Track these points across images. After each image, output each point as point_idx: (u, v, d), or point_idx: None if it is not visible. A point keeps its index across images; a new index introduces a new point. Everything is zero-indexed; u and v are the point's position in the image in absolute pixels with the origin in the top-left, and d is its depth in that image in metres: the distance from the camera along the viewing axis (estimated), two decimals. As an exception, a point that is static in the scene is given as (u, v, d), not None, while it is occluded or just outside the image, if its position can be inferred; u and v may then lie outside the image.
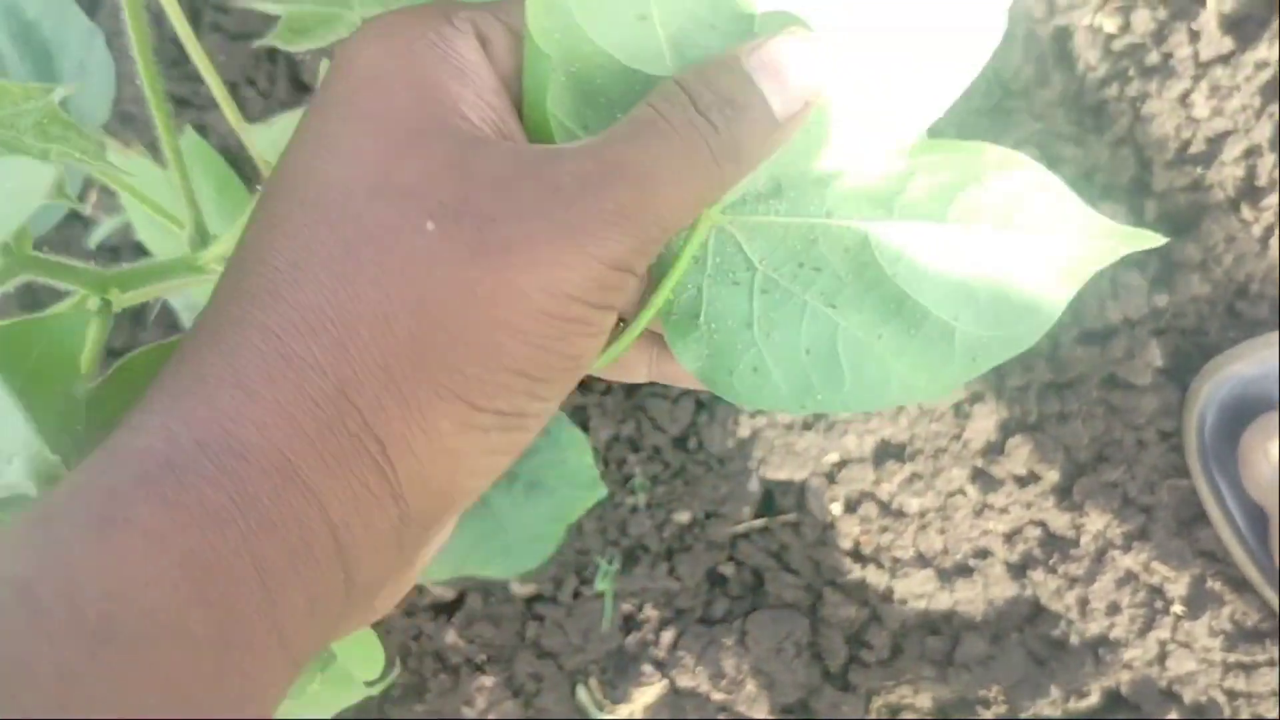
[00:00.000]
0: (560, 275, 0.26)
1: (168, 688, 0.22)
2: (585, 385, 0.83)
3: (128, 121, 0.82)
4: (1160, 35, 0.77)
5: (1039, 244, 0.32)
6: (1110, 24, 0.79)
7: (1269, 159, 0.75)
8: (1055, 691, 0.79)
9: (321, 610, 0.25)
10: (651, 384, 0.49)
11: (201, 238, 0.43)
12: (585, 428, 0.82)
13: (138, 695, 0.22)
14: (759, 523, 0.82)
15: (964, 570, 0.81)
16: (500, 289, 0.25)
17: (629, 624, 0.82)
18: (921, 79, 0.31)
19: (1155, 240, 0.32)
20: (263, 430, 0.24)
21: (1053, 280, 0.32)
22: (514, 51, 0.29)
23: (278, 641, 0.24)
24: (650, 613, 0.82)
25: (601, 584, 0.81)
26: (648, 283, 0.33)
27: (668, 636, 0.81)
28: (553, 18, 0.28)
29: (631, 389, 0.82)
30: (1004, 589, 0.80)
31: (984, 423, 0.80)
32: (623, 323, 0.33)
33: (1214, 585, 0.79)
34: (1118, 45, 0.78)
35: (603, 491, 0.63)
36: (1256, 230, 0.75)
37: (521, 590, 0.82)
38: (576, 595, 0.82)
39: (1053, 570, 0.80)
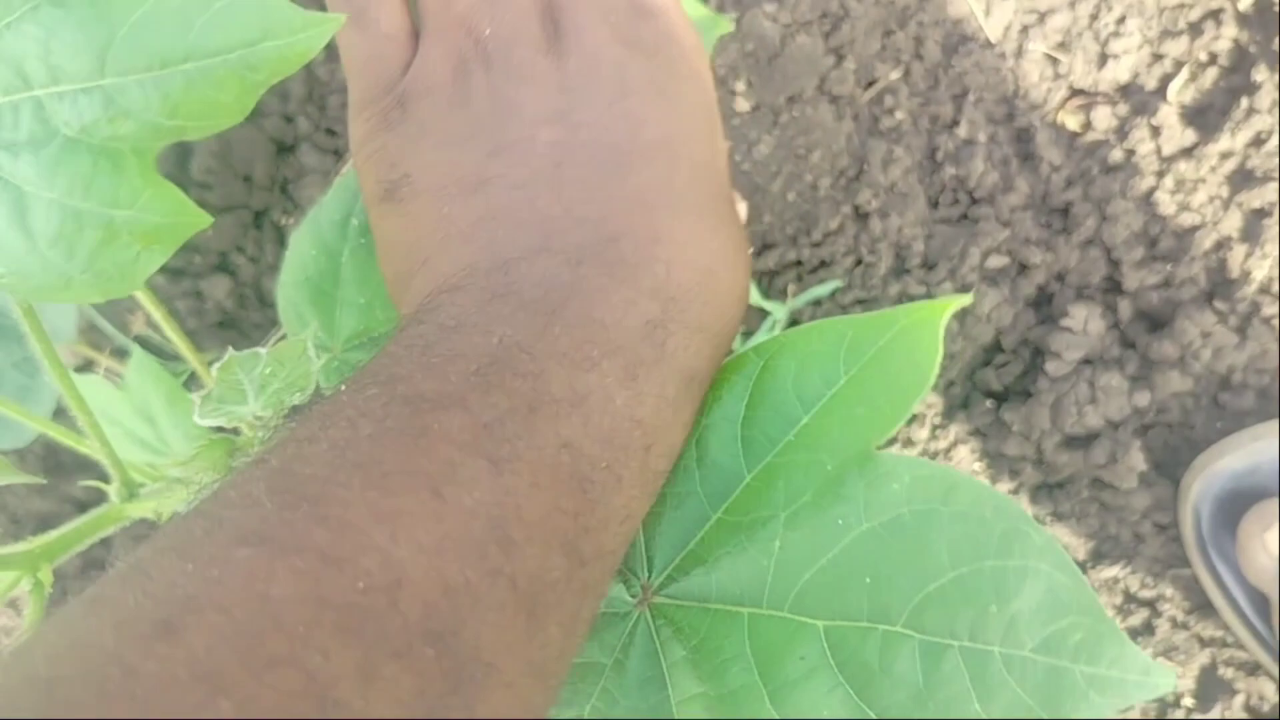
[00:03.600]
0: None
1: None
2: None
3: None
4: (1122, 132, 0.77)
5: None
6: (1072, 122, 0.79)
7: (1239, 250, 0.74)
8: (1073, 790, 0.79)
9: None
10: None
11: (129, 490, 0.45)
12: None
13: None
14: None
15: (972, 672, 0.81)
16: None
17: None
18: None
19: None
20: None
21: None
22: None
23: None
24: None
25: None
26: None
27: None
28: None
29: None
30: (1014, 688, 0.81)
31: (979, 526, 0.80)
32: None
33: (1224, 673, 0.78)
34: (1080, 144, 0.78)
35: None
36: (1233, 322, 0.75)
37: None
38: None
39: (1061, 668, 0.80)
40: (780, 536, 0.30)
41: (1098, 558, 0.79)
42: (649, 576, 0.31)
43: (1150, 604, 0.79)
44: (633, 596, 0.31)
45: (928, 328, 0.30)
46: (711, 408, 0.32)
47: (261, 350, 0.35)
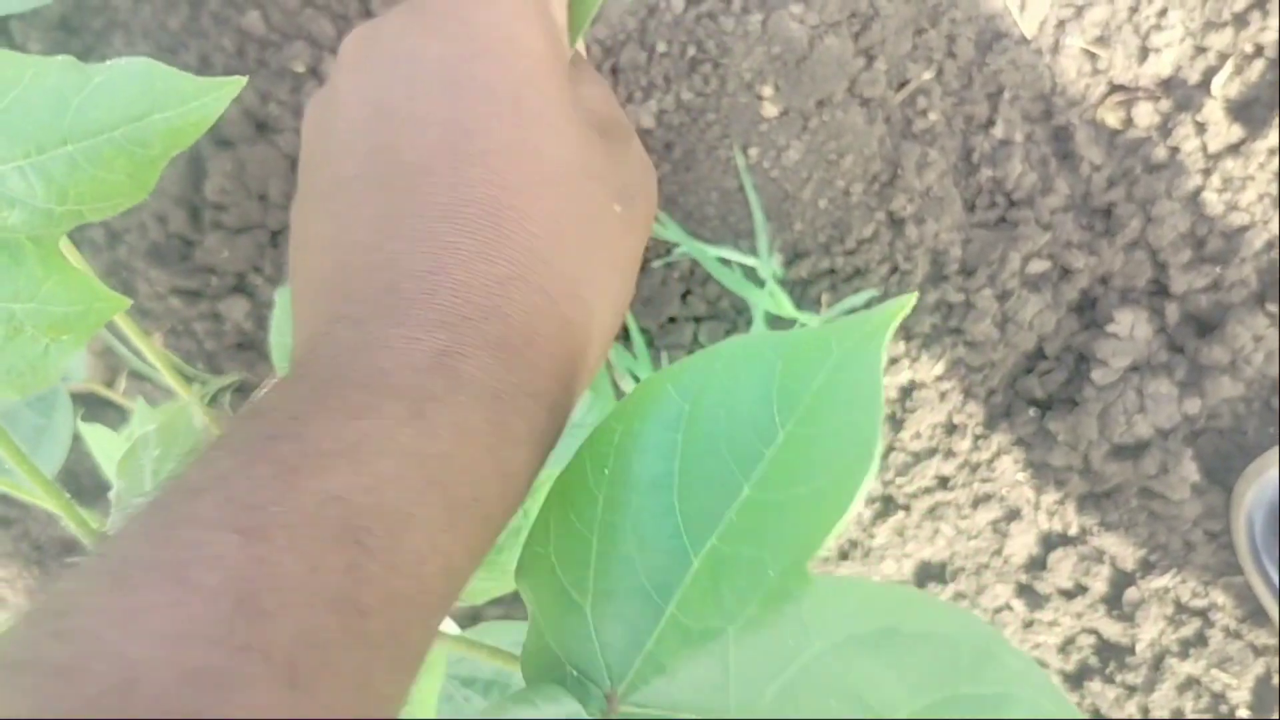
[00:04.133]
0: None
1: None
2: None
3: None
4: (1165, 128, 0.75)
5: None
6: (1112, 119, 0.76)
7: (1291, 250, 0.72)
8: (1125, 806, 0.77)
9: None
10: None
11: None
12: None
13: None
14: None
15: (1019, 686, 0.80)
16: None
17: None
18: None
19: None
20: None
21: None
22: None
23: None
24: None
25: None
26: None
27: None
28: None
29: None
30: (1062, 701, 0.79)
31: (1023, 539, 0.78)
32: None
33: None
34: (1122, 141, 0.76)
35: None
36: (1286, 323, 0.72)
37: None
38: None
39: (1110, 680, 0.78)
40: (732, 652, 0.26)
41: (1147, 567, 0.77)
42: (611, 685, 0.27)
43: (1202, 613, 0.77)
44: (597, 712, 0.28)
45: (867, 364, 0.25)
46: (634, 470, 0.28)
47: (151, 429, 0.33)
